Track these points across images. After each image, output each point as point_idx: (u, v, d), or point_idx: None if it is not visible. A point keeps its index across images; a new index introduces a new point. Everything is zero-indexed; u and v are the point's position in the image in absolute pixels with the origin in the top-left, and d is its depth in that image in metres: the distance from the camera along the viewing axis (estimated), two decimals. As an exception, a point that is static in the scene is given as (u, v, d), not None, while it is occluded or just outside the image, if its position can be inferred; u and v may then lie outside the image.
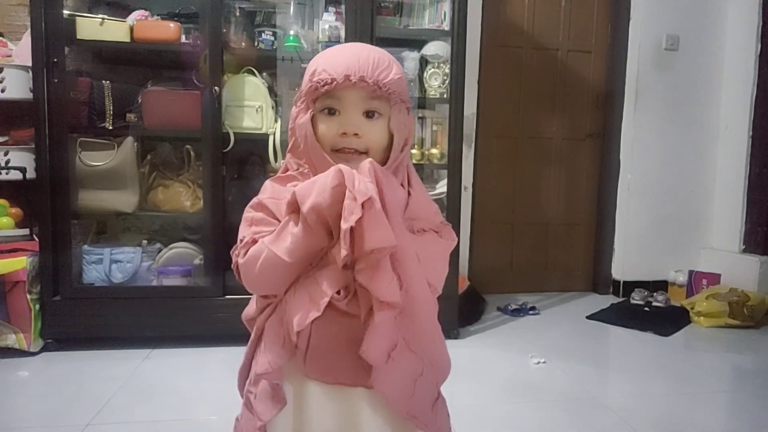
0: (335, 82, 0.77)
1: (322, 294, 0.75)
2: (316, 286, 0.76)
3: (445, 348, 0.87)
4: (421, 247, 0.80)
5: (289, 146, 0.85)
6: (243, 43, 2.38)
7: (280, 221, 0.78)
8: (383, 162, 0.82)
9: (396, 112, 0.82)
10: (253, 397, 0.82)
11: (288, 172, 0.85)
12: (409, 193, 0.85)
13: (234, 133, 2.26)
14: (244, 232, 0.81)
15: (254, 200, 0.84)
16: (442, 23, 2.46)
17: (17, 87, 2.35)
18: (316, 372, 0.80)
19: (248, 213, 0.83)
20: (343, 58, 0.79)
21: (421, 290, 0.79)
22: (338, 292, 0.76)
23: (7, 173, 2.38)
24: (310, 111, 0.81)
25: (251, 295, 0.88)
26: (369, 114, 0.80)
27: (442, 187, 2.46)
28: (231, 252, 0.83)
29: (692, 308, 2.89)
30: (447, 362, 0.88)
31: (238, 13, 2.40)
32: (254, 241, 0.78)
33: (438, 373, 0.86)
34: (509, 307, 2.93)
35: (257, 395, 0.82)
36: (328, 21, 2.32)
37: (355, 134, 0.79)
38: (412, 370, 0.80)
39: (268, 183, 0.85)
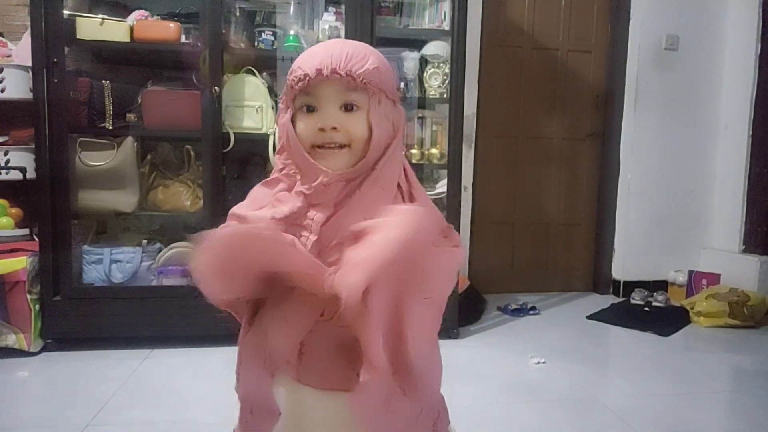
0: (308, 78, 0.76)
1: (306, 321, 0.76)
2: (298, 316, 0.76)
3: (440, 374, 0.87)
4: (432, 261, 0.77)
5: (278, 147, 0.84)
6: (243, 43, 2.38)
7: None
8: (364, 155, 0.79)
9: (375, 104, 0.78)
10: (246, 422, 0.82)
11: (275, 175, 0.84)
12: (411, 197, 0.82)
13: (234, 133, 2.26)
14: None
15: (233, 208, 0.82)
16: (442, 23, 2.46)
17: (17, 87, 2.35)
18: (310, 379, 0.79)
19: (227, 221, 0.82)
20: (318, 54, 0.77)
21: (423, 348, 0.77)
22: (322, 314, 0.75)
23: (7, 173, 2.38)
24: (289, 110, 0.80)
25: None
26: (347, 107, 0.78)
27: (441, 187, 2.46)
28: None
29: (692, 308, 2.89)
30: (440, 386, 0.87)
31: (238, 13, 2.40)
32: None
33: (437, 403, 0.86)
34: (509, 307, 2.93)
35: (250, 420, 0.81)
36: (328, 21, 2.32)
37: (333, 128, 0.77)
38: (412, 413, 0.79)
39: (254, 190, 0.84)
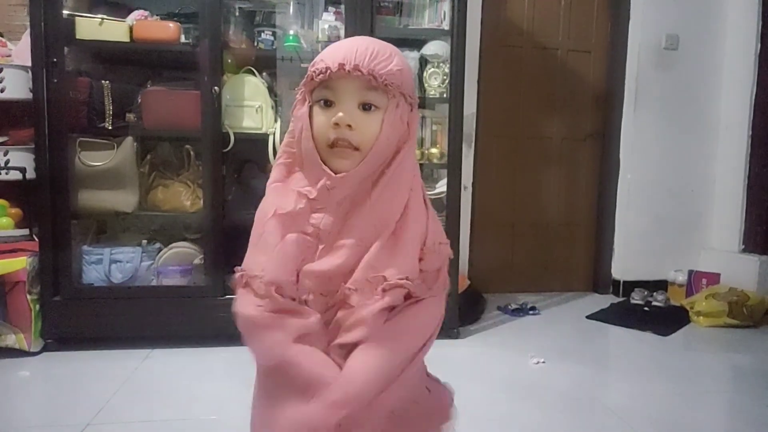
0: (329, 71, 0.75)
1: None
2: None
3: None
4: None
5: (285, 138, 0.83)
6: (243, 44, 2.38)
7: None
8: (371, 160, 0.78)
9: (393, 107, 0.78)
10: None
11: (275, 182, 0.83)
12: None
13: (234, 133, 2.26)
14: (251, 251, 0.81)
15: (262, 210, 0.82)
16: (441, 23, 2.46)
17: (17, 87, 2.35)
18: None
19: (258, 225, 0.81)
20: (342, 49, 0.77)
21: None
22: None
23: (7, 173, 2.37)
24: (306, 103, 0.79)
25: None
26: (365, 106, 0.77)
27: (442, 186, 2.46)
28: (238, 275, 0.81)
29: (692, 308, 2.89)
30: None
31: (237, 13, 2.39)
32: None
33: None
34: (509, 307, 2.93)
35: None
36: (328, 21, 2.32)
37: (348, 125, 0.76)
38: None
39: (267, 194, 0.84)
